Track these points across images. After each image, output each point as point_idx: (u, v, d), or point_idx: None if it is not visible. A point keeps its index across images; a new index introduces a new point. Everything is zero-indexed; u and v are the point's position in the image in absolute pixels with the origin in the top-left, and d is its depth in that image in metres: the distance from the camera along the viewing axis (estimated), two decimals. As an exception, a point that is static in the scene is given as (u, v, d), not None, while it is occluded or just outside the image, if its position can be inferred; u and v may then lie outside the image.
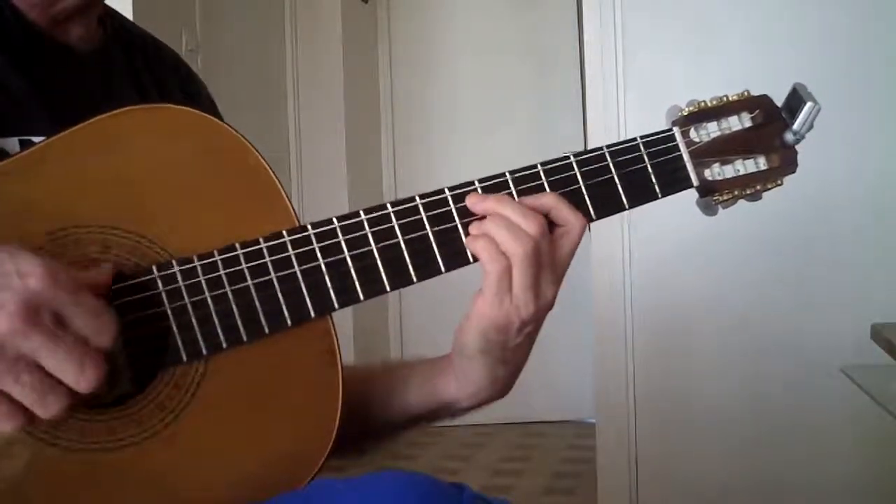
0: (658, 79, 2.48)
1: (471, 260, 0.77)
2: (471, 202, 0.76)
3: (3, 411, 0.60)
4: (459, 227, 0.77)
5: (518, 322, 0.76)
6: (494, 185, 0.78)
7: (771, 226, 2.34)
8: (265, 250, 0.72)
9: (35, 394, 0.59)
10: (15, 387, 0.59)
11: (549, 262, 0.76)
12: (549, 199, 0.77)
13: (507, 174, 0.78)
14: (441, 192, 0.77)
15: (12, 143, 0.75)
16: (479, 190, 0.77)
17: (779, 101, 0.85)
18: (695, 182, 0.82)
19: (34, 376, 0.59)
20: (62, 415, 0.61)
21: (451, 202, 0.77)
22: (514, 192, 0.78)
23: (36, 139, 0.75)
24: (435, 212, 0.76)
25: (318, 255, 0.73)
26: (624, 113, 2.53)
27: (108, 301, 0.66)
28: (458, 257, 0.76)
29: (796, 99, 0.82)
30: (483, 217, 0.76)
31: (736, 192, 0.83)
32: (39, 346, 0.59)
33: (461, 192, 0.77)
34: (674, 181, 0.82)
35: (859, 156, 2.39)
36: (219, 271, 0.71)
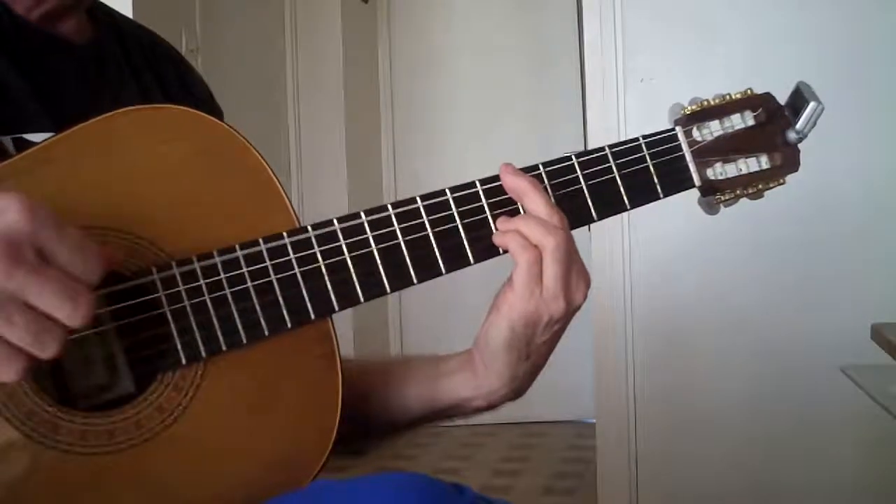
0: (658, 79, 2.48)
1: (471, 261, 0.77)
2: (504, 172, 0.77)
3: (3, 357, 0.57)
4: (461, 228, 0.76)
5: (547, 316, 0.76)
6: (497, 186, 0.78)
7: (771, 226, 2.34)
8: (265, 252, 0.71)
9: (30, 334, 0.57)
10: (9, 329, 0.57)
11: (578, 257, 0.77)
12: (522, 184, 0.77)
13: None
14: (442, 192, 0.77)
15: (5, 142, 0.74)
16: (481, 192, 0.77)
17: (779, 99, 0.85)
18: (697, 182, 0.82)
19: (25, 316, 0.57)
20: (60, 353, 0.59)
21: (452, 204, 0.76)
22: None
23: (29, 136, 0.74)
24: (437, 214, 0.76)
25: (319, 257, 0.73)
26: (624, 113, 2.53)
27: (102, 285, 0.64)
28: (459, 258, 0.76)
29: (800, 98, 0.82)
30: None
31: (738, 192, 0.83)
32: (25, 284, 0.56)
33: (462, 193, 0.77)
34: (676, 181, 0.81)
35: (859, 156, 2.39)
36: (218, 273, 0.70)
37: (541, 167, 0.79)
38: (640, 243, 2.51)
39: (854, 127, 2.32)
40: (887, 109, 2.40)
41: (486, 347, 0.79)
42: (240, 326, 0.71)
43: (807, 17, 2.43)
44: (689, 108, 0.83)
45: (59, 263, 0.58)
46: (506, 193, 0.78)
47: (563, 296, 0.75)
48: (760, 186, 0.83)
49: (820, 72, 2.38)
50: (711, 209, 0.84)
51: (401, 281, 0.75)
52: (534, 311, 0.76)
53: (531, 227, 0.75)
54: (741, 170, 0.82)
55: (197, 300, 0.70)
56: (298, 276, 0.72)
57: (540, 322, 0.76)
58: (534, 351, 0.79)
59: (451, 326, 3.51)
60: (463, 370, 0.82)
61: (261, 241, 0.72)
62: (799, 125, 0.81)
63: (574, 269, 0.76)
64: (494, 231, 0.77)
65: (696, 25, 2.49)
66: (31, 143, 0.74)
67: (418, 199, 0.76)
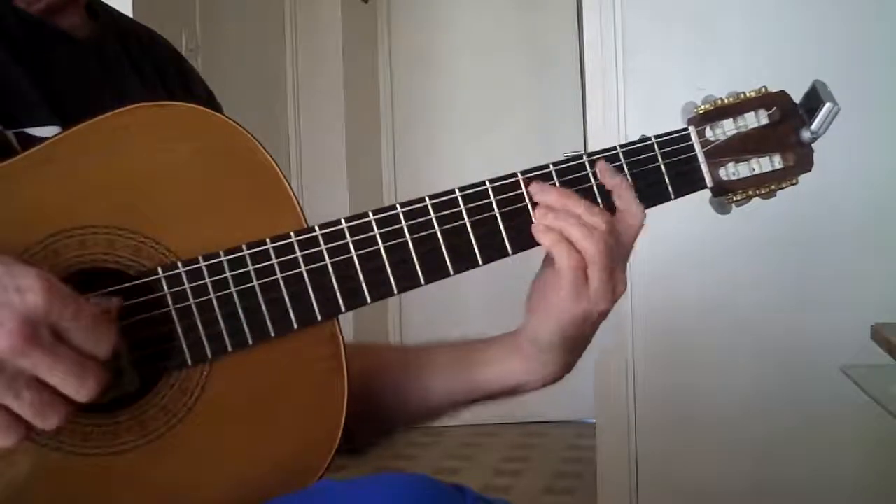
0: (658, 79, 2.48)
1: (479, 262, 0.76)
2: (534, 190, 0.76)
3: (4, 425, 0.60)
4: (469, 227, 0.76)
5: (596, 314, 0.77)
6: (506, 185, 0.77)
7: (771, 226, 2.34)
8: (272, 251, 0.71)
9: (34, 408, 0.60)
10: (15, 402, 0.59)
11: (619, 252, 0.77)
12: (622, 182, 0.78)
13: (519, 174, 0.78)
14: (451, 192, 0.76)
15: (9, 137, 0.74)
16: (490, 190, 0.77)
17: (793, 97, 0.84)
18: (709, 183, 0.82)
19: (33, 391, 0.60)
20: (62, 425, 0.61)
21: (461, 202, 0.76)
22: (525, 194, 0.77)
23: (32, 130, 0.74)
24: (444, 212, 0.75)
25: (326, 256, 0.72)
26: (624, 113, 2.52)
27: (118, 324, 0.66)
28: (468, 259, 0.76)
29: (815, 98, 0.81)
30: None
31: (750, 192, 0.82)
32: (39, 363, 0.59)
33: (471, 192, 0.76)
34: (688, 182, 0.81)
35: (859, 156, 2.39)
36: (224, 273, 0.70)
37: (551, 166, 0.78)
38: (641, 243, 2.50)
39: (854, 127, 2.31)
40: (887, 109, 2.40)
41: (536, 344, 0.81)
42: (245, 326, 0.70)
43: (807, 17, 2.43)
44: (703, 107, 0.82)
45: (72, 342, 0.61)
46: (513, 190, 0.77)
47: (611, 295, 0.77)
48: (773, 186, 0.82)
49: (820, 72, 2.37)
50: (723, 209, 0.83)
51: (408, 281, 0.74)
52: (583, 313, 0.77)
53: (574, 231, 0.75)
54: (754, 170, 0.82)
55: (202, 299, 0.69)
56: (305, 275, 0.71)
57: (588, 321, 0.78)
58: (581, 343, 0.81)
59: (452, 327, 3.51)
60: (512, 357, 0.83)
61: (268, 240, 0.71)
62: (814, 126, 0.80)
63: (617, 267, 0.77)
64: (503, 231, 0.76)
65: (696, 25, 2.49)
66: (33, 137, 0.74)
67: (427, 198, 0.75)
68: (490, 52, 3.81)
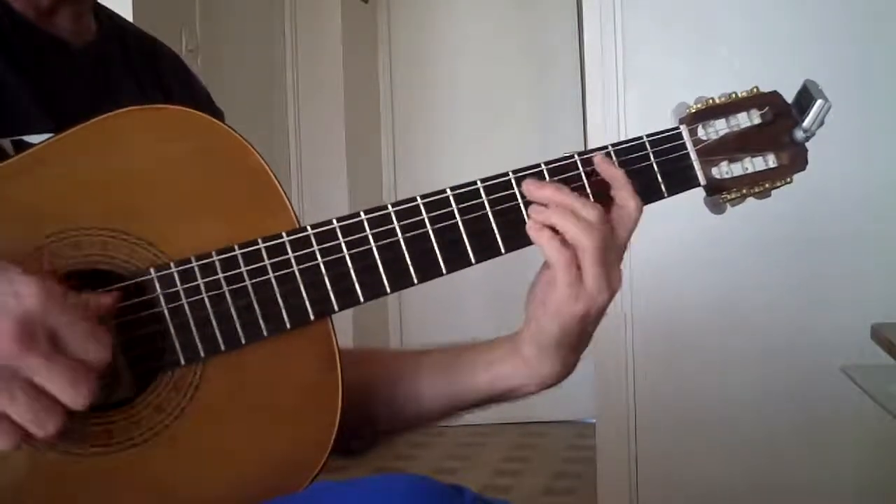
0: (658, 78, 2.48)
1: (472, 261, 0.76)
2: (528, 188, 0.76)
3: (1, 430, 0.60)
4: (461, 226, 0.76)
5: (595, 311, 0.77)
6: (497, 184, 0.77)
7: (771, 226, 2.34)
8: (264, 251, 0.71)
9: (31, 413, 0.60)
10: (11, 406, 0.60)
11: (614, 246, 0.77)
12: (622, 175, 0.78)
13: (510, 173, 0.78)
14: (443, 192, 0.76)
15: (5, 145, 0.74)
16: (482, 189, 0.77)
17: (786, 98, 0.84)
18: (702, 181, 0.82)
19: (30, 395, 0.60)
20: (59, 432, 0.62)
21: (452, 202, 0.76)
22: (517, 193, 0.77)
23: (29, 138, 0.74)
24: (436, 212, 0.75)
25: (318, 256, 0.72)
26: (624, 113, 2.52)
27: (111, 323, 0.66)
28: (460, 258, 0.76)
29: (807, 96, 0.81)
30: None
31: (744, 191, 0.82)
32: (35, 367, 0.60)
33: (462, 191, 0.77)
34: (681, 180, 0.81)
35: (859, 156, 2.38)
36: (217, 273, 0.70)
37: (542, 165, 0.79)
38: (640, 243, 2.49)
39: (854, 127, 2.32)
40: (888, 110, 2.40)
41: (537, 344, 0.80)
42: (238, 326, 0.71)
43: (807, 17, 2.43)
44: (695, 106, 0.82)
45: (68, 349, 0.61)
46: (505, 190, 0.77)
47: (607, 289, 0.76)
48: (767, 185, 0.82)
49: (820, 72, 2.37)
50: (717, 209, 0.83)
51: (401, 280, 0.74)
52: (583, 309, 0.76)
53: (568, 225, 0.75)
54: (747, 169, 0.82)
55: (194, 299, 0.70)
56: (297, 275, 0.72)
57: (589, 318, 0.77)
58: (584, 340, 0.80)
59: (452, 328, 3.51)
60: (509, 360, 0.82)
61: (259, 240, 0.72)
62: (806, 123, 0.81)
63: (612, 262, 0.77)
64: (495, 229, 0.76)
65: (697, 25, 2.49)
66: (31, 146, 0.74)
67: (418, 197, 0.75)
68: (490, 52, 3.81)
